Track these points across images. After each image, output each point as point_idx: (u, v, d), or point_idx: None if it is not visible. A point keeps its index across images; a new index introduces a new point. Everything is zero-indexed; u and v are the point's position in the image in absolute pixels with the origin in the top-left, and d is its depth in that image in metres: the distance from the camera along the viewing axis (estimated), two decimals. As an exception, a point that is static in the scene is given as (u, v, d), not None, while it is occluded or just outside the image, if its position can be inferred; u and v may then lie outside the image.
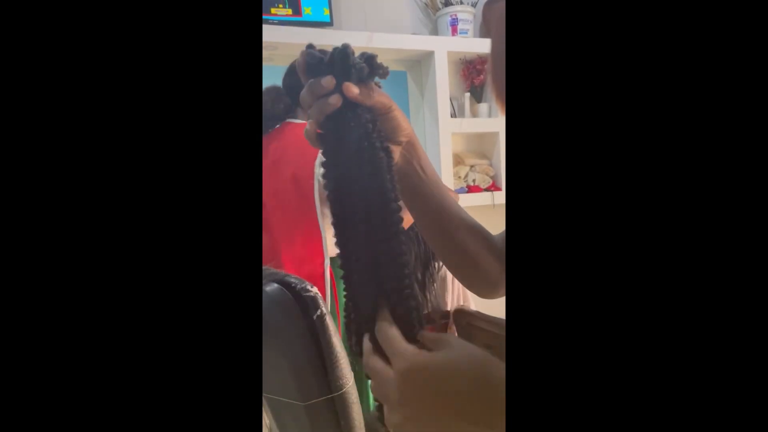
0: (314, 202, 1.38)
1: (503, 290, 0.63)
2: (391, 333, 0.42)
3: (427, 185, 0.56)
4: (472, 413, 0.37)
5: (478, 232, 0.61)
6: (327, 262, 1.38)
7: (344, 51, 0.44)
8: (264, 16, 2.06)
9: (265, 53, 2.07)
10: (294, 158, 1.40)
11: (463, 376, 0.38)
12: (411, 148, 0.53)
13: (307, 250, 1.39)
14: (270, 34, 2.00)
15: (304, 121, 1.48)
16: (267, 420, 0.92)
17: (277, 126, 1.52)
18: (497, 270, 0.61)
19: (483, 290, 0.64)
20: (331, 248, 1.40)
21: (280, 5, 2.11)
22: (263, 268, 0.91)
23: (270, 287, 0.81)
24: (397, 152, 0.51)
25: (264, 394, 0.87)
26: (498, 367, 0.38)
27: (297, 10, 2.14)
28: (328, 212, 1.37)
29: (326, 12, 2.20)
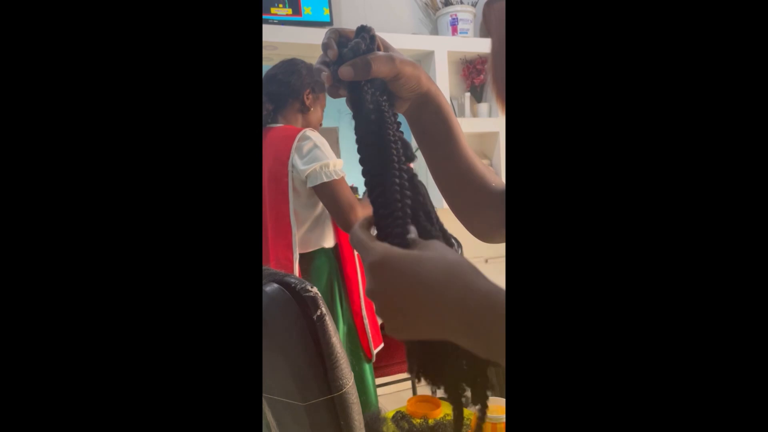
0: (288, 199, 1.44)
1: (502, 237, 0.66)
2: (363, 234, 0.43)
3: (438, 128, 0.60)
4: (453, 320, 0.37)
5: (484, 178, 0.65)
6: (296, 256, 1.43)
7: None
8: (264, 16, 2.06)
9: (265, 53, 2.07)
10: (270, 157, 1.46)
11: (433, 270, 0.38)
12: (424, 99, 0.57)
13: (279, 243, 1.45)
14: (270, 34, 2.00)
15: (281, 125, 1.54)
16: (267, 420, 0.93)
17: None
18: (500, 215, 0.63)
19: (485, 235, 0.66)
20: (299, 244, 1.47)
21: (280, 5, 2.11)
22: (263, 268, 0.91)
23: (270, 287, 0.81)
24: (404, 105, 0.56)
25: (264, 394, 0.87)
26: (476, 274, 0.38)
27: (297, 10, 2.14)
28: (299, 209, 1.45)
29: (326, 12, 2.21)
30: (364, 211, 1.42)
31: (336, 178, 1.39)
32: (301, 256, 1.49)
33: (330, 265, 1.50)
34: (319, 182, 1.39)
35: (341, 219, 1.40)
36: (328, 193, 1.40)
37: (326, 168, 1.38)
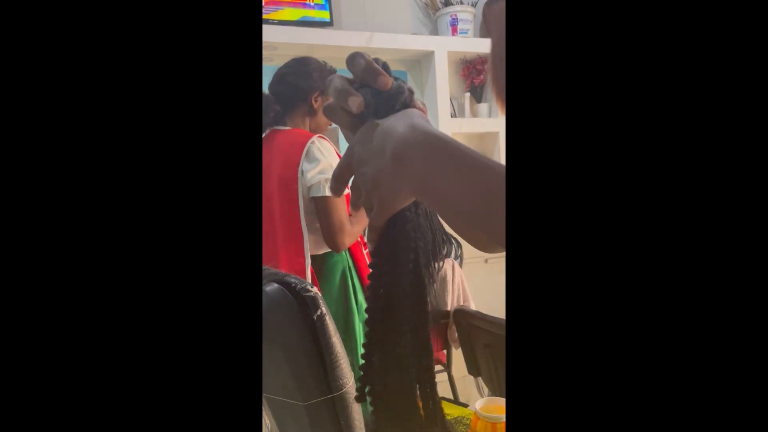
0: (298, 205, 1.45)
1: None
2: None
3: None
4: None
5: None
6: (308, 261, 1.45)
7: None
8: (264, 17, 2.06)
9: (265, 53, 2.07)
10: (280, 163, 1.47)
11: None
12: None
13: (290, 249, 1.46)
14: (270, 34, 2.00)
15: (289, 128, 1.54)
16: (267, 420, 0.93)
17: (266, 133, 1.57)
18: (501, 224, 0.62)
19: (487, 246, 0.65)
20: (311, 247, 1.48)
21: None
22: (263, 268, 0.91)
23: (270, 287, 0.81)
24: None
25: (264, 394, 0.87)
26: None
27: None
28: (310, 214, 1.46)
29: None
30: (352, 231, 1.44)
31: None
32: (314, 257, 1.49)
33: (343, 264, 1.50)
34: (320, 194, 1.41)
35: (329, 237, 1.43)
36: (324, 207, 1.42)
37: (329, 183, 1.39)
